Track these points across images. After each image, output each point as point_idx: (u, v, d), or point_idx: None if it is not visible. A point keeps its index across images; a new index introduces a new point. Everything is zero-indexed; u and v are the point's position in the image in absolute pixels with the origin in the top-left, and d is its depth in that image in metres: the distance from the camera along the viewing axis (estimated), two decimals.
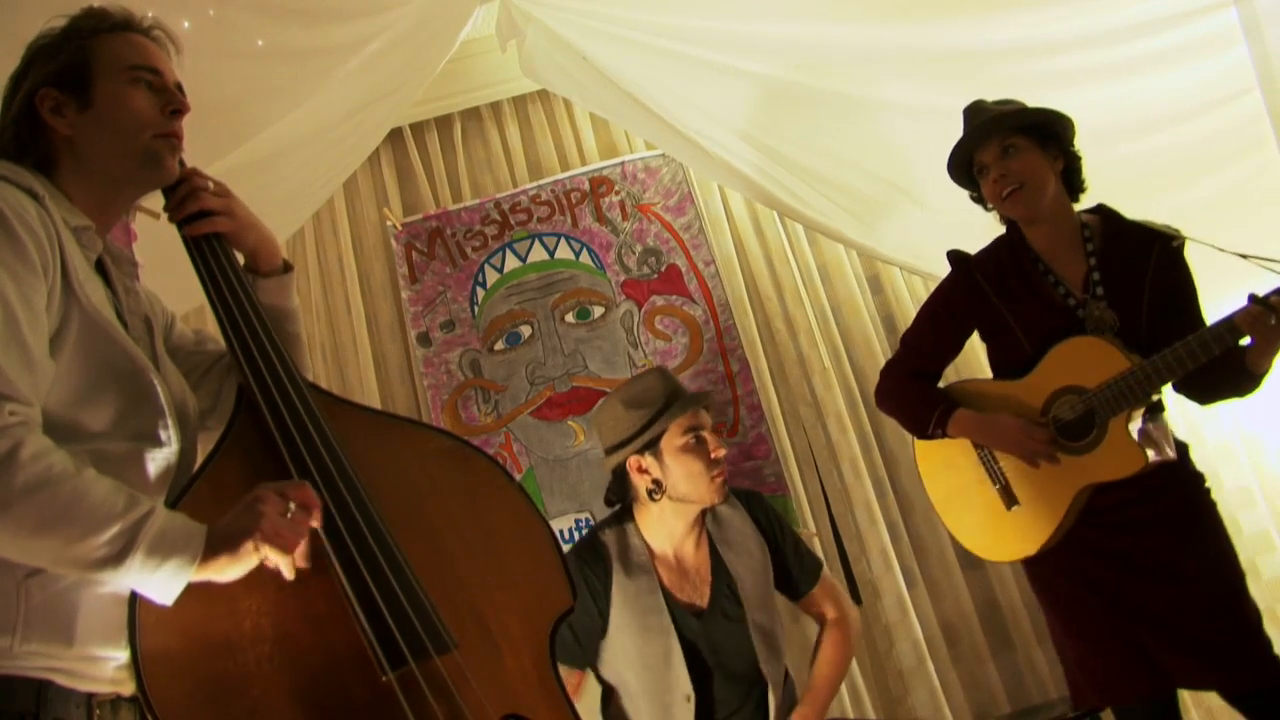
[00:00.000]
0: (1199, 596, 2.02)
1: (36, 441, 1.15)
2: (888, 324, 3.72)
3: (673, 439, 2.26)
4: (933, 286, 3.58)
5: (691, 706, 2.19)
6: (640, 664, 2.23)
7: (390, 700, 1.24)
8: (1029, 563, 2.27)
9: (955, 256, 2.39)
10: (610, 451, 2.33)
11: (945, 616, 3.37)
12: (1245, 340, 1.98)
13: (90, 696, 1.25)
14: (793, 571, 2.40)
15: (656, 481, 2.26)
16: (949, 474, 2.38)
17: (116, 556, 1.15)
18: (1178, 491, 2.13)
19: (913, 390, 2.38)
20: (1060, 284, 2.20)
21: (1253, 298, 1.94)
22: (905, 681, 3.24)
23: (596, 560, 2.30)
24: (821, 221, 3.38)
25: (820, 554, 3.36)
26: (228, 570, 1.21)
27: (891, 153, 3.19)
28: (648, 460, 2.26)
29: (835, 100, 3.12)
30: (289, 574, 1.25)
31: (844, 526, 3.45)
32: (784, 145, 3.27)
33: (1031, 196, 2.17)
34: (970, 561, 3.47)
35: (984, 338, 2.38)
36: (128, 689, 1.27)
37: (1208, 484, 2.17)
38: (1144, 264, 2.15)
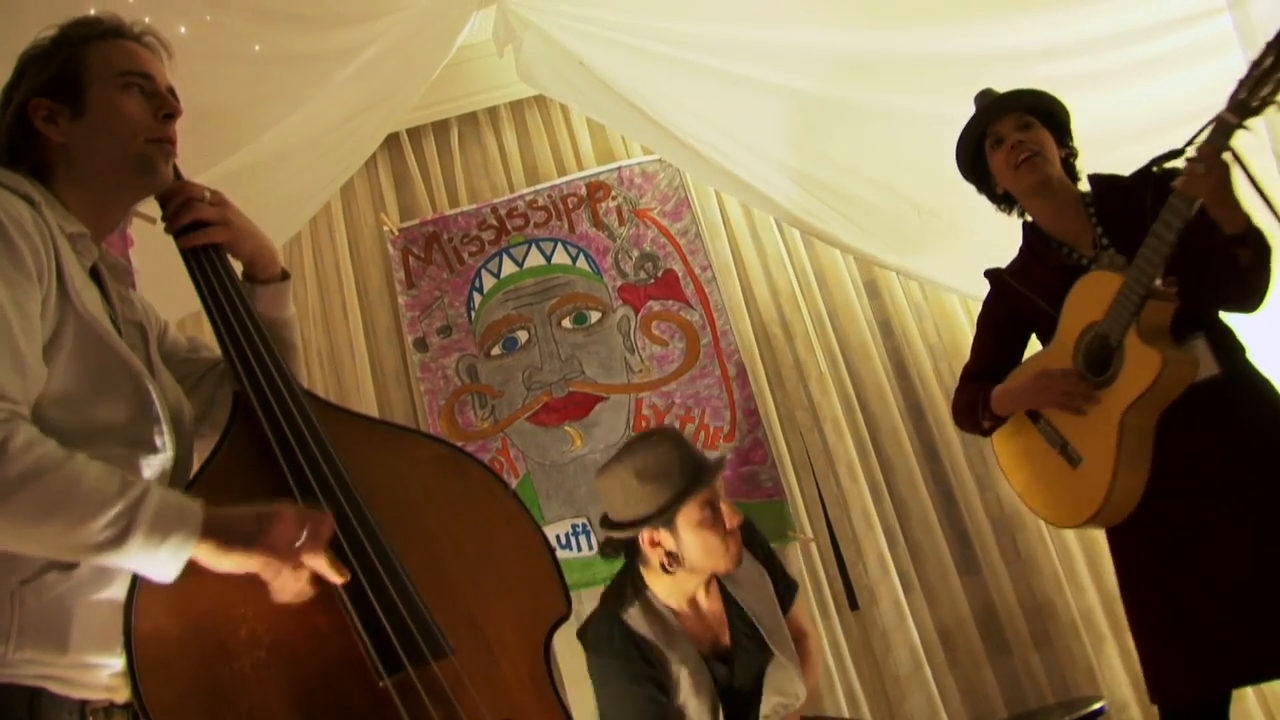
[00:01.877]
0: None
1: (26, 433, 1.15)
2: (884, 329, 3.72)
3: (689, 514, 2.15)
4: (930, 291, 3.66)
5: None
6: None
7: (387, 706, 1.24)
8: (1112, 536, 2.20)
9: (990, 271, 2.43)
10: (622, 527, 2.20)
11: (942, 621, 3.37)
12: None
13: (84, 704, 1.25)
14: (781, 592, 2.40)
15: (671, 555, 2.17)
16: (1021, 459, 2.36)
17: (118, 537, 1.15)
18: (1262, 440, 2.04)
19: (967, 393, 2.42)
20: (1073, 251, 2.25)
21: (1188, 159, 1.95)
22: (902, 687, 3.24)
23: (647, 657, 2.17)
24: (818, 226, 3.39)
25: (817, 559, 3.37)
26: (218, 560, 1.21)
27: (888, 158, 3.20)
28: (661, 534, 2.16)
29: (832, 105, 3.13)
30: (280, 597, 1.24)
31: (841, 531, 3.45)
32: (780, 150, 3.27)
33: (1044, 165, 2.23)
34: (967, 566, 3.47)
35: (1039, 337, 2.38)
36: (121, 696, 1.27)
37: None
38: (1140, 206, 2.15)
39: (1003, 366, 2.38)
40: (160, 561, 1.18)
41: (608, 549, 2.30)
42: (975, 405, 2.35)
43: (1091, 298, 2.12)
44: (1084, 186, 2.34)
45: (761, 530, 2.51)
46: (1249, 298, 2.12)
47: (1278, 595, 1.91)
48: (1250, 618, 1.92)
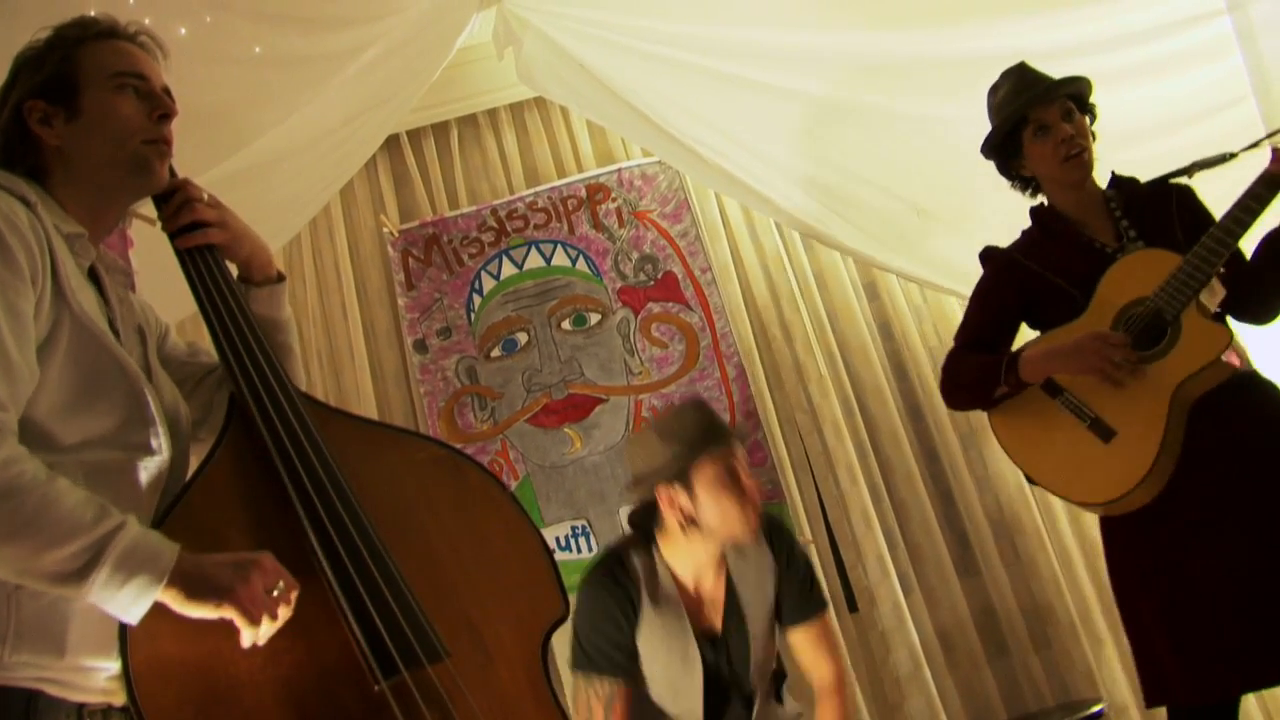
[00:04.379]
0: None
1: (8, 449, 1.14)
2: (884, 331, 3.72)
3: (706, 473, 2.19)
4: (930, 294, 3.65)
5: None
6: (671, 693, 2.23)
7: (383, 710, 1.24)
8: (1110, 534, 2.17)
9: (989, 250, 2.38)
10: (639, 482, 2.27)
11: (941, 623, 3.37)
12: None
13: (81, 707, 1.25)
14: (785, 601, 2.34)
15: (688, 516, 2.20)
16: (1034, 435, 2.23)
17: (80, 571, 1.13)
18: (1265, 403, 2.04)
19: (974, 359, 2.29)
20: (1095, 239, 2.21)
21: (1276, 150, 1.97)
22: (901, 688, 3.24)
23: (629, 582, 2.25)
24: (818, 228, 3.39)
25: (816, 561, 3.37)
26: (184, 607, 1.19)
27: (888, 160, 3.20)
28: (679, 495, 2.20)
29: (832, 108, 3.13)
30: (246, 644, 1.22)
31: (840, 533, 3.45)
32: (780, 152, 3.27)
33: (1090, 160, 2.21)
34: (967, 568, 3.47)
35: (1033, 320, 2.32)
36: (119, 699, 1.27)
37: None
38: (1168, 212, 2.16)
39: (1000, 345, 2.29)
40: (120, 602, 1.15)
41: (634, 518, 2.35)
42: (991, 371, 2.20)
43: (1139, 274, 2.08)
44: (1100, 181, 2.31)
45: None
46: (1273, 306, 2.12)
47: None
48: (1255, 623, 1.89)
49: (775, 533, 2.37)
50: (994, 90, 2.35)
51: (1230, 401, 2.04)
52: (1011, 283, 2.30)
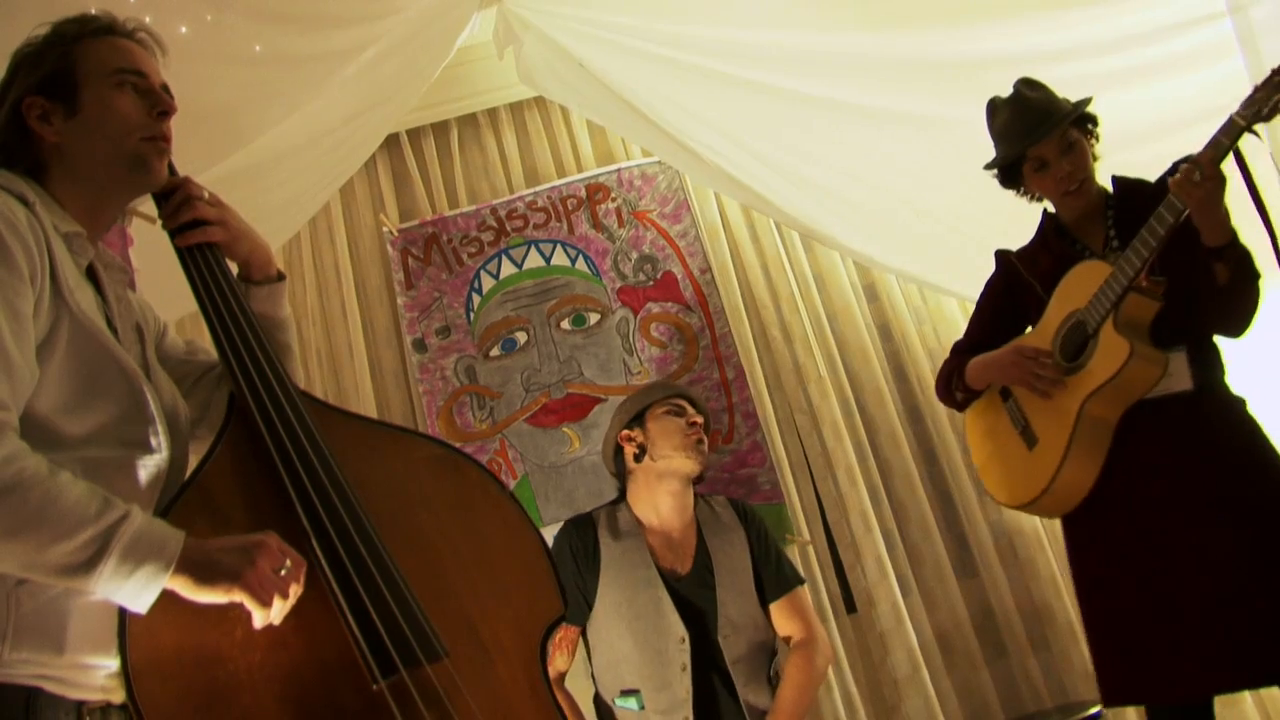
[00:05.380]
0: (1243, 571, 1.90)
1: (10, 445, 1.14)
2: (883, 332, 3.72)
3: (655, 410, 2.59)
4: (929, 295, 3.66)
5: (687, 647, 2.35)
6: (632, 614, 2.39)
7: (381, 708, 1.24)
8: (1067, 526, 2.22)
9: (996, 252, 2.44)
10: (608, 440, 2.65)
11: (940, 624, 3.37)
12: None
13: (80, 704, 1.24)
14: (764, 579, 2.53)
15: (641, 446, 2.55)
16: (987, 437, 2.40)
17: (88, 562, 1.13)
18: (1225, 459, 2.03)
19: (950, 364, 2.45)
20: (1085, 248, 2.25)
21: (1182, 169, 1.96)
22: (899, 690, 3.24)
23: (586, 527, 2.55)
24: (817, 229, 3.39)
25: (815, 562, 3.37)
26: (194, 593, 1.20)
27: (887, 160, 3.20)
28: (635, 431, 2.58)
29: (831, 108, 3.13)
30: (259, 625, 1.23)
31: (839, 534, 3.45)
32: (780, 153, 3.27)
33: (1090, 188, 2.25)
34: (965, 569, 3.47)
35: (1033, 326, 2.37)
36: (118, 697, 1.27)
37: (1249, 411, 2.08)
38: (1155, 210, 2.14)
39: (994, 345, 2.35)
40: (130, 591, 1.16)
41: (619, 483, 2.66)
42: (951, 377, 2.40)
43: (1079, 286, 2.14)
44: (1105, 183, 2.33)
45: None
46: (1229, 320, 2.11)
47: (1232, 609, 1.91)
48: (1204, 632, 1.92)
49: (746, 515, 2.63)
50: (991, 112, 2.36)
51: (1177, 420, 2.06)
52: (1007, 285, 2.39)
